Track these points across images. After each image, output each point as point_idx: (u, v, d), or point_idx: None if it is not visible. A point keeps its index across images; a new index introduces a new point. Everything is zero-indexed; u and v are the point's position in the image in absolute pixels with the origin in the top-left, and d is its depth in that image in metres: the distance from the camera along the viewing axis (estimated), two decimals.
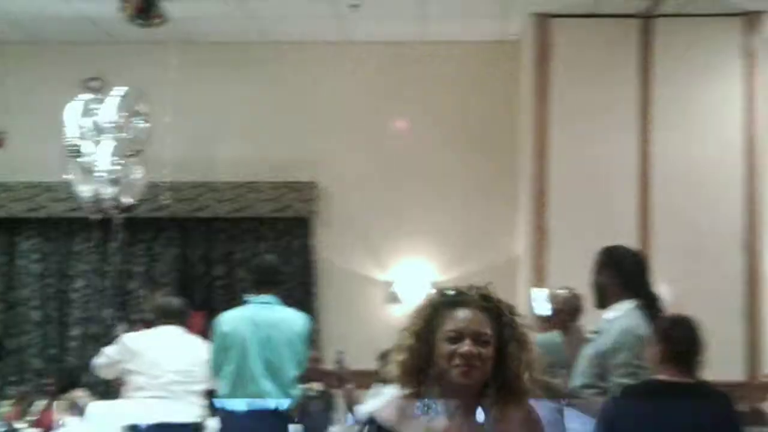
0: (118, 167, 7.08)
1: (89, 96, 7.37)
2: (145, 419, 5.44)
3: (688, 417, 3.62)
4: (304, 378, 6.21)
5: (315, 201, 8.30)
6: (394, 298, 8.20)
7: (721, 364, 6.55)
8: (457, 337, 2.31)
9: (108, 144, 7.09)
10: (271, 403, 5.17)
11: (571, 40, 7.50)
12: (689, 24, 7.43)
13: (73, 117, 7.12)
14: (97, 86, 8.24)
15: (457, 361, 2.29)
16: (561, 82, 7.46)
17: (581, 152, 7.41)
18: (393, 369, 2.40)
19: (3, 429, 6.33)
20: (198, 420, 5.61)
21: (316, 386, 6.68)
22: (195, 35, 8.31)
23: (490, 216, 8.24)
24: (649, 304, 4.19)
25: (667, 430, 3.62)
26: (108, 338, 6.81)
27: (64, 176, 7.26)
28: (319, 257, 8.33)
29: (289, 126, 8.46)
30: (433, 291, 2.49)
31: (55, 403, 6.67)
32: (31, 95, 8.56)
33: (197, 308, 7.87)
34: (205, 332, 5.66)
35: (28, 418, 6.82)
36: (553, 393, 3.90)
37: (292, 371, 5.26)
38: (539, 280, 7.04)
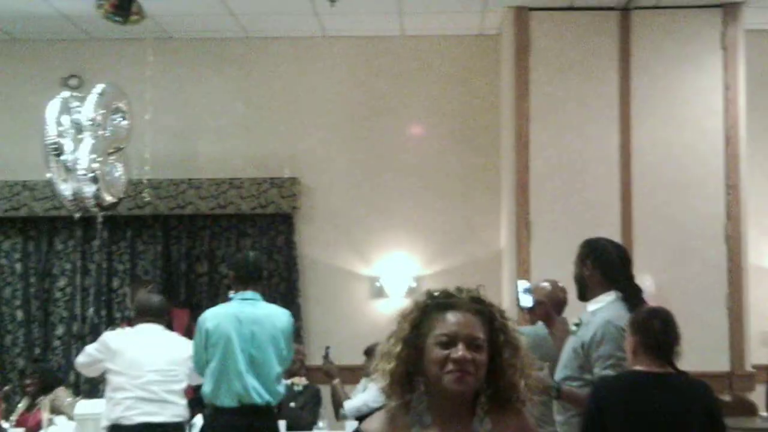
0: (99, 165, 7.05)
1: (68, 94, 7.34)
2: (125, 420, 5.40)
3: (668, 406, 3.66)
4: (290, 373, 6.24)
5: (297, 197, 8.28)
6: (378, 293, 8.20)
7: (706, 354, 6.70)
8: (450, 342, 2.18)
9: (88, 142, 7.06)
10: (256, 399, 5.17)
11: (551, 34, 7.51)
12: (667, 15, 7.45)
13: (53, 115, 7.09)
14: (76, 84, 8.24)
15: (450, 367, 2.16)
16: (541, 75, 7.47)
17: (562, 144, 7.43)
18: (380, 379, 2.26)
19: None
20: (179, 419, 5.55)
21: (301, 381, 6.68)
22: (173, 31, 8.28)
23: (474, 209, 8.26)
24: (632, 295, 4.21)
25: (648, 420, 3.65)
26: (93, 337, 6.81)
27: (45, 175, 7.23)
28: (303, 253, 8.31)
29: (270, 122, 8.45)
30: (420, 293, 2.34)
31: (41, 403, 6.65)
32: (10, 94, 8.52)
33: (181, 305, 7.89)
34: (189, 329, 5.65)
35: (12, 418, 6.80)
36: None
37: (276, 367, 5.27)
38: (523, 273, 7.05)
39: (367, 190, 8.36)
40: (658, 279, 6.70)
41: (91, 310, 8.01)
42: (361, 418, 5.71)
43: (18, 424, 6.71)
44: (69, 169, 7.06)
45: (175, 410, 5.53)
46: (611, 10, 7.47)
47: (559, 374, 4.23)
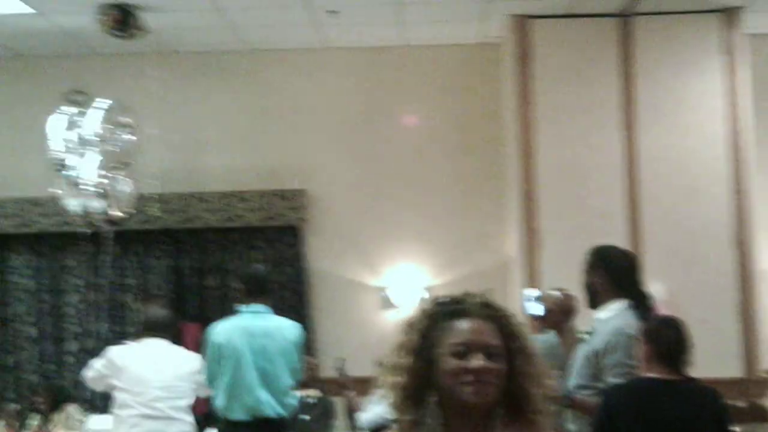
0: (105, 180, 7.06)
1: (72, 109, 7.35)
2: None
3: (678, 412, 3.68)
4: (303, 385, 6.23)
5: (304, 208, 8.30)
6: (387, 304, 8.20)
7: (718, 360, 6.68)
8: (465, 351, 2.01)
9: (93, 157, 7.07)
10: (268, 412, 5.17)
11: (552, 41, 7.51)
12: (668, 21, 7.46)
13: (57, 131, 7.09)
14: (80, 99, 8.24)
15: (466, 377, 1.99)
16: (543, 82, 7.48)
17: (567, 152, 7.43)
18: (389, 395, 2.10)
19: None
20: None
21: (314, 393, 6.68)
22: (176, 45, 8.31)
23: (480, 218, 8.26)
24: (641, 303, 4.21)
25: (658, 427, 3.67)
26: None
27: (51, 190, 7.24)
28: (311, 265, 8.32)
29: (276, 133, 8.47)
30: (427, 301, 2.17)
31: (53, 420, 6.64)
32: (14, 110, 8.54)
33: (191, 320, 7.89)
34: (200, 344, 5.63)
35: None
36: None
37: (287, 380, 5.27)
38: (532, 282, 7.04)
39: (373, 200, 8.37)
40: (668, 286, 6.68)
41: (102, 326, 8.01)
42: (376, 429, 5.72)
43: None
44: (75, 185, 7.07)
45: (181, 427, 5.44)
46: (612, 16, 7.48)
47: (570, 383, 4.23)
